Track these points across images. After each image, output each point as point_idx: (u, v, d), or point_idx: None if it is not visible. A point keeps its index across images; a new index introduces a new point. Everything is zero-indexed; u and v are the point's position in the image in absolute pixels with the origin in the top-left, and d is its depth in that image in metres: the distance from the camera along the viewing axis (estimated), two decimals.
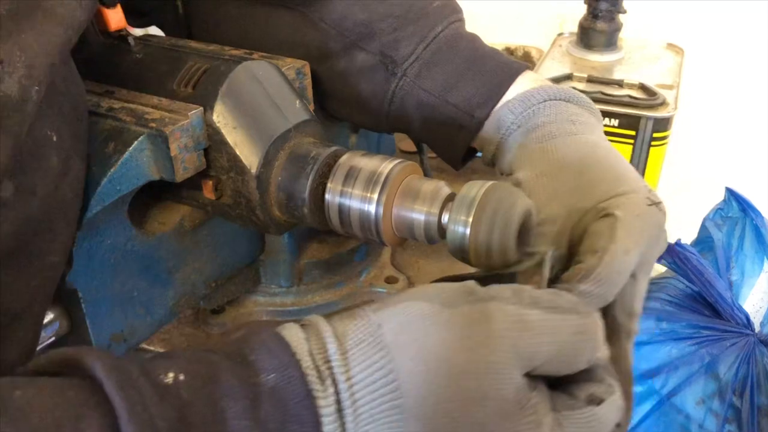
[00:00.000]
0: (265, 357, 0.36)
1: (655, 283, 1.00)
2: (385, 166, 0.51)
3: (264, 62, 0.56)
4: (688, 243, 0.96)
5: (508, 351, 0.37)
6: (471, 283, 0.40)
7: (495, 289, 0.39)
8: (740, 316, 0.91)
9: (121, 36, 0.57)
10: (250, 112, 0.53)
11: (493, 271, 0.46)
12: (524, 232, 0.47)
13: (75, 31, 0.41)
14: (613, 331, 0.45)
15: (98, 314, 0.53)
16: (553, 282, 0.44)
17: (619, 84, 1.04)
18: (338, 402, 0.35)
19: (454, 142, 0.62)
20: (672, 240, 0.90)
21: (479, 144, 0.61)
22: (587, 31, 1.13)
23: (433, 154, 0.69)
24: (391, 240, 0.52)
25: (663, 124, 0.98)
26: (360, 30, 0.62)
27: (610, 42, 1.13)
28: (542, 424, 0.37)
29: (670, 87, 1.05)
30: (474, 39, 0.64)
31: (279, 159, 0.54)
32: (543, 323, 0.38)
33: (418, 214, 0.50)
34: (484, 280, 0.41)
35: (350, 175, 0.52)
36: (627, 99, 1.00)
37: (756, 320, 0.92)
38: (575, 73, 1.07)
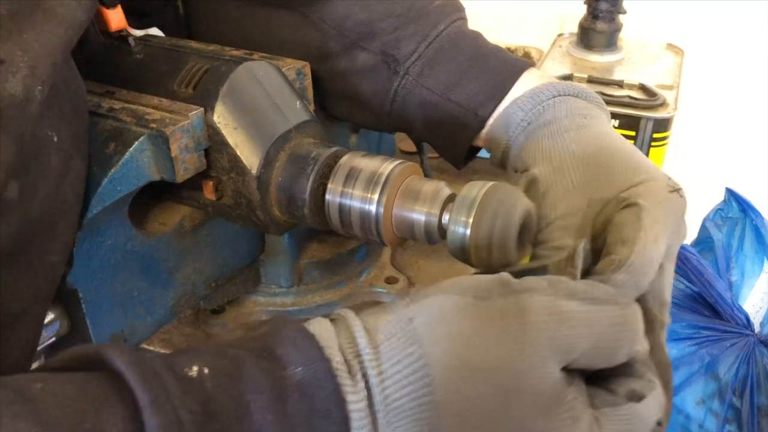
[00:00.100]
0: (291, 351, 0.35)
1: None
2: (386, 166, 0.51)
3: (264, 63, 0.56)
4: (688, 243, 0.96)
5: (544, 344, 0.35)
6: (505, 274, 0.39)
7: (530, 280, 0.38)
8: (740, 317, 0.90)
9: (122, 36, 0.57)
10: (251, 113, 0.53)
11: (493, 271, 0.46)
12: (525, 232, 0.47)
13: (75, 31, 0.41)
14: (648, 323, 0.43)
15: (98, 314, 0.53)
16: (584, 276, 0.43)
17: (619, 84, 1.04)
18: (369, 398, 0.34)
19: (457, 141, 0.61)
20: None
21: (487, 144, 0.60)
22: (587, 32, 1.13)
23: (434, 155, 0.69)
24: (391, 240, 0.52)
25: (663, 125, 0.98)
26: (361, 30, 0.62)
27: (610, 42, 1.13)
28: (580, 420, 0.36)
29: (670, 87, 1.04)
30: (477, 37, 0.63)
31: (279, 159, 0.54)
32: (580, 315, 0.36)
33: (419, 215, 0.50)
34: (518, 274, 0.39)
35: (351, 176, 0.52)
36: (627, 99, 1.00)
37: (756, 320, 0.92)
38: (575, 74, 1.07)
